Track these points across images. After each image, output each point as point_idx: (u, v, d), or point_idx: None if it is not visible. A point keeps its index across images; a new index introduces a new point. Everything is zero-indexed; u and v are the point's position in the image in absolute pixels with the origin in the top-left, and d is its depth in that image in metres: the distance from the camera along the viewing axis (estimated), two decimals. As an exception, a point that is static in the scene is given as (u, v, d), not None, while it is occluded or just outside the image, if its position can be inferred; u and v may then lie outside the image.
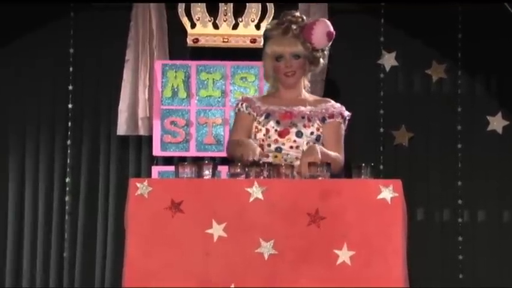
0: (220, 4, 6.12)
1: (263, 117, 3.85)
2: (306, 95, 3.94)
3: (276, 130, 3.80)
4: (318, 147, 3.65)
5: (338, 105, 3.96)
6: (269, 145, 3.81)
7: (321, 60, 3.93)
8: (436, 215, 6.34)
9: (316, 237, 3.16)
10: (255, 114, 3.88)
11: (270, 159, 3.74)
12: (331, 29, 3.88)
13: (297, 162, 3.69)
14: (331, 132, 3.87)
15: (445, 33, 6.26)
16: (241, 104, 3.93)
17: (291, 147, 3.77)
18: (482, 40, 6.18)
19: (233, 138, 3.86)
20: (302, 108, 3.86)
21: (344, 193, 3.21)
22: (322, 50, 3.91)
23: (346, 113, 3.95)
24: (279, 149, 3.78)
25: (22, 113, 6.24)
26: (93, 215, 6.20)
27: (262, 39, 4.05)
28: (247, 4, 6.10)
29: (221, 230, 3.17)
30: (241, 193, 3.19)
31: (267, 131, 3.80)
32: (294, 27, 3.86)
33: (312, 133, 3.83)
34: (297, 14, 3.93)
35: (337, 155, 3.81)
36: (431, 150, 6.34)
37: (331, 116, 3.89)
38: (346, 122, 3.96)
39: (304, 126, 3.82)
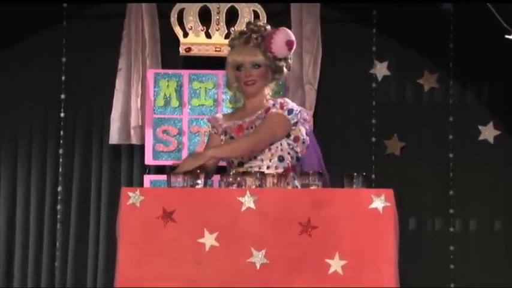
0: (212, 13, 6.13)
1: (223, 136, 3.91)
2: (266, 102, 3.92)
3: None
4: (209, 151, 3.70)
5: (281, 99, 3.88)
6: (232, 162, 3.84)
7: (285, 69, 3.92)
8: (428, 224, 6.34)
9: (308, 246, 3.17)
10: (218, 133, 3.94)
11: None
12: (292, 38, 3.88)
13: (263, 170, 3.69)
14: (261, 122, 3.81)
15: (437, 43, 6.28)
16: (209, 125, 4.03)
17: (250, 158, 3.79)
18: (474, 50, 6.21)
19: None
20: (253, 116, 3.86)
21: (336, 202, 3.21)
22: (285, 59, 3.91)
23: (293, 107, 3.81)
24: (241, 164, 3.79)
25: (14, 122, 6.24)
26: (85, 223, 6.20)
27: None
28: (239, 13, 6.11)
29: (213, 239, 3.17)
30: (233, 202, 3.19)
31: None
32: (254, 36, 3.86)
33: None
34: (260, 23, 3.95)
35: (243, 138, 3.78)
36: (423, 159, 6.35)
37: (267, 110, 3.84)
38: (296, 115, 3.81)
39: None
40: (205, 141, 4.38)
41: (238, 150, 3.76)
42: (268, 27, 3.91)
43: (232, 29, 6.09)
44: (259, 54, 3.84)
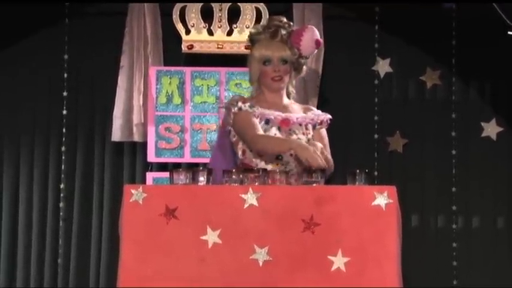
0: (214, 10, 6.13)
1: (263, 123, 3.80)
2: (286, 100, 3.91)
3: None
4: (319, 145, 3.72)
5: (320, 112, 3.98)
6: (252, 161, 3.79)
7: (304, 67, 3.92)
8: (431, 221, 6.35)
9: (310, 243, 3.16)
10: (255, 115, 3.79)
11: (270, 167, 3.71)
12: (319, 37, 3.88)
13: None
14: (322, 138, 3.89)
15: (439, 40, 6.28)
16: (243, 103, 3.80)
17: (291, 154, 3.74)
18: (476, 46, 6.20)
19: (258, 133, 3.72)
20: (296, 115, 3.85)
21: (339, 199, 3.21)
22: (306, 57, 3.90)
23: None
24: (280, 157, 3.75)
25: (16, 119, 6.24)
26: (87, 221, 6.20)
27: (248, 42, 3.97)
28: (241, 10, 6.11)
29: (216, 236, 3.17)
30: (236, 199, 3.19)
31: None
32: (283, 32, 3.84)
33: (308, 140, 3.82)
34: (284, 19, 3.92)
35: (330, 158, 3.82)
36: (425, 156, 6.35)
37: (321, 123, 3.91)
38: None
39: (303, 133, 3.81)
40: (221, 120, 4.14)
41: (315, 163, 3.59)
42: (292, 23, 3.90)
43: (235, 26, 6.10)
44: (287, 50, 3.82)
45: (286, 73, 3.83)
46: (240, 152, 3.81)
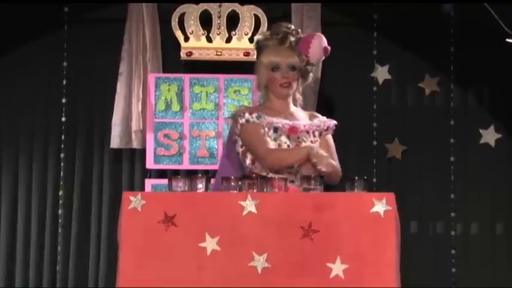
0: (213, 17, 6.13)
1: (272, 131, 3.78)
2: (293, 108, 3.91)
3: (288, 146, 3.77)
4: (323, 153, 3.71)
5: (325, 118, 3.98)
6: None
7: (311, 74, 3.92)
8: (429, 228, 6.35)
9: (309, 250, 3.16)
10: (264, 125, 3.78)
11: (282, 175, 3.68)
12: (327, 44, 3.88)
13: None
14: (329, 145, 3.88)
15: (438, 47, 6.29)
16: (250, 114, 3.78)
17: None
18: (475, 53, 6.21)
19: (269, 148, 3.73)
20: (303, 122, 3.85)
21: (337, 206, 3.21)
22: (313, 65, 3.90)
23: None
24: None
25: (15, 126, 6.25)
26: (86, 228, 6.20)
27: (255, 49, 3.96)
28: (240, 17, 6.12)
29: (214, 243, 3.17)
30: (235, 206, 3.19)
31: (279, 146, 3.76)
32: (291, 38, 3.83)
33: None
34: (292, 26, 3.92)
35: (338, 164, 3.86)
36: (424, 163, 6.35)
37: (327, 129, 3.91)
38: None
39: (311, 141, 3.81)
40: (226, 132, 4.15)
41: (328, 168, 3.67)
42: (299, 30, 3.90)
43: (233, 33, 6.10)
44: (296, 57, 3.81)
45: (294, 79, 3.83)
46: (248, 162, 3.79)
